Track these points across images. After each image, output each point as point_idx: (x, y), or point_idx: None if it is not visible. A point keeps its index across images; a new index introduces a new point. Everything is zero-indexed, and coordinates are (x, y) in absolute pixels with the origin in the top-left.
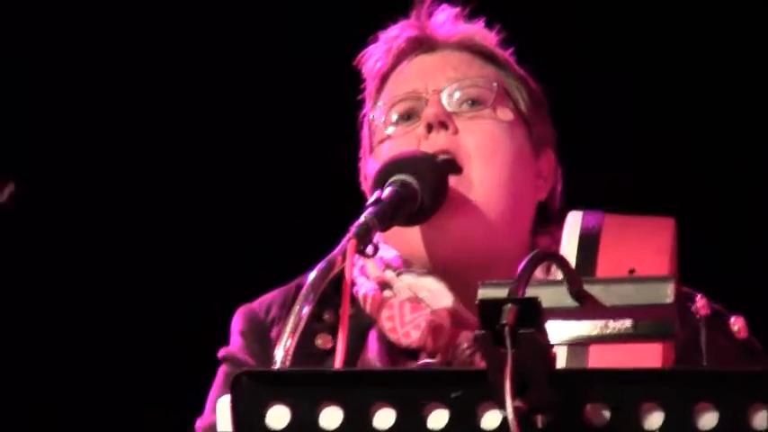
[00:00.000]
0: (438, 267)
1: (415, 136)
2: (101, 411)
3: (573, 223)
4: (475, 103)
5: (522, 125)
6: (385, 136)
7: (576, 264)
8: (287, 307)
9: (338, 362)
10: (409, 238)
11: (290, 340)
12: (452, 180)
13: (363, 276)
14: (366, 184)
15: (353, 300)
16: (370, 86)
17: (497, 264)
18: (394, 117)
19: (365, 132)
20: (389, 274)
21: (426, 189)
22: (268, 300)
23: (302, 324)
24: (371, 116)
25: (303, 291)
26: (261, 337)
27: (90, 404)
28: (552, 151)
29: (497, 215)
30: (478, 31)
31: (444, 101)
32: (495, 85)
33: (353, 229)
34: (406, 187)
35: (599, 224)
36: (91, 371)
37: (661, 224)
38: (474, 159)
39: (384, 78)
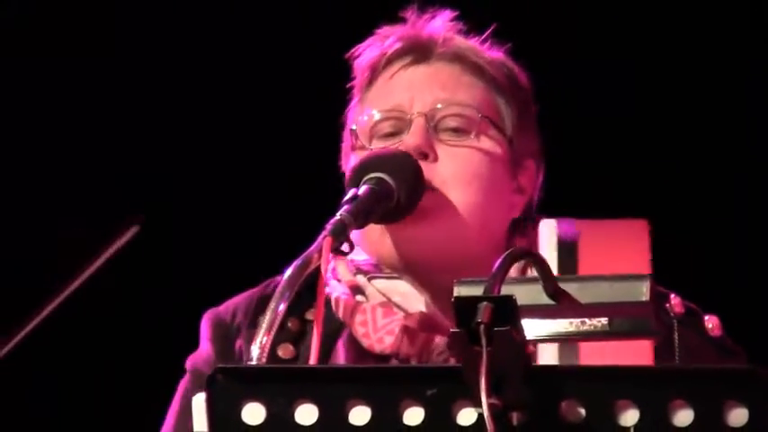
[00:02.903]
0: (408, 270)
1: None
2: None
3: (547, 232)
4: (458, 131)
5: (505, 147)
6: (365, 147)
7: (558, 273)
8: (250, 314)
9: (313, 358)
10: (378, 240)
11: (265, 337)
12: (426, 193)
13: (335, 280)
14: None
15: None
16: (359, 80)
17: (468, 268)
18: (376, 131)
19: (347, 133)
20: (361, 279)
21: (402, 187)
22: (233, 304)
23: (278, 321)
24: (354, 123)
25: (279, 288)
26: (229, 343)
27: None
28: (534, 162)
29: (468, 232)
30: (474, 46)
31: (428, 125)
32: (479, 115)
33: (329, 226)
34: (382, 185)
35: (574, 231)
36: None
37: (636, 226)
38: (449, 185)
39: (373, 74)
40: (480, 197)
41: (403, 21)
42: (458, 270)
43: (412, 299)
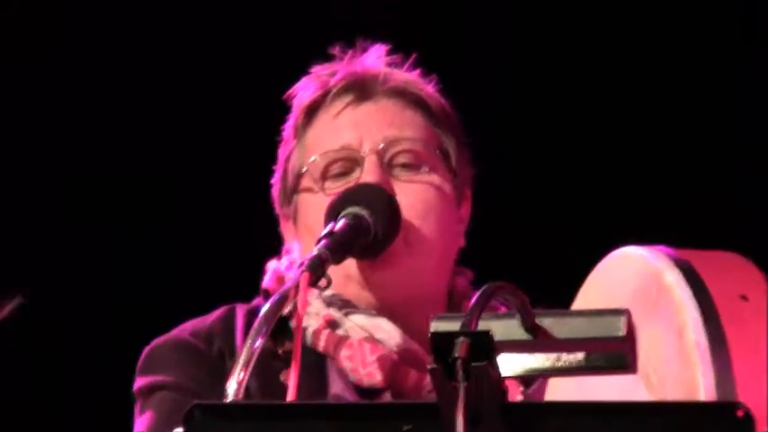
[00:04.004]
0: (383, 311)
1: None
2: None
3: (642, 259)
4: (410, 164)
5: (451, 179)
6: (317, 188)
7: (693, 294)
8: (230, 339)
9: (290, 395)
10: (351, 283)
11: (242, 373)
12: None
13: (306, 314)
14: (286, 222)
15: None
16: (296, 120)
17: (432, 304)
18: (327, 172)
19: (289, 168)
20: (336, 314)
21: (379, 222)
22: (201, 333)
23: (255, 357)
24: (302, 165)
25: (256, 324)
26: (211, 368)
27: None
28: (469, 191)
29: (433, 264)
30: (414, 80)
31: (380, 162)
32: (429, 144)
33: (306, 261)
34: (359, 220)
35: (679, 255)
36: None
37: (733, 256)
38: (409, 221)
39: (313, 114)
40: (437, 231)
41: (331, 58)
42: (426, 305)
43: (395, 335)
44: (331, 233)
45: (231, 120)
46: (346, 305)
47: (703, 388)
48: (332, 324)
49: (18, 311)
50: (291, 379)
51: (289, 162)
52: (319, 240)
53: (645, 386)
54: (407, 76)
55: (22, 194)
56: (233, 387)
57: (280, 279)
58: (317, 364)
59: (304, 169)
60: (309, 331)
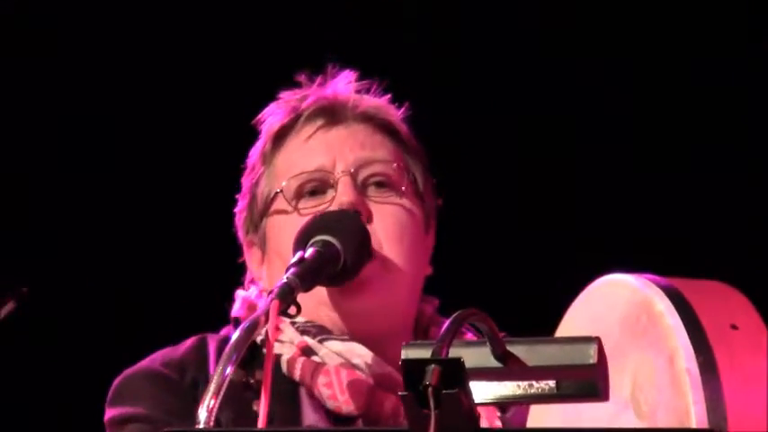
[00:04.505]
0: (356, 337)
1: None
2: None
3: (628, 286)
4: (383, 185)
5: (419, 203)
6: (291, 209)
7: (684, 323)
8: (203, 369)
9: (261, 422)
10: (323, 310)
11: (212, 401)
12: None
13: (278, 342)
14: (250, 250)
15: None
16: (265, 144)
17: (403, 331)
18: (302, 194)
19: (257, 193)
20: (310, 341)
21: (349, 250)
22: (173, 363)
23: (225, 384)
24: (271, 185)
25: (226, 351)
26: (183, 399)
27: None
28: (434, 220)
29: (404, 290)
30: (383, 105)
31: (354, 183)
32: (400, 167)
33: (276, 289)
34: (329, 247)
35: (669, 283)
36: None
37: (720, 285)
38: (384, 243)
39: (283, 138)
40: (411, 255)
41: (298, 85)
42: (396, 332)
43: (371, 362)
44: (300, 261)
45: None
46: (321, 331)
47: (695, 416)
48: (306, 351)
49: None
50: (262, 406)
51: (257, 187)
52: (288, 268)
53: (634, 412)
54: (377, 102)
55: None
56: (204, 414)
57: (250, 307)
58: (289, 393)
59: (276, 191)
60: (284, 359)
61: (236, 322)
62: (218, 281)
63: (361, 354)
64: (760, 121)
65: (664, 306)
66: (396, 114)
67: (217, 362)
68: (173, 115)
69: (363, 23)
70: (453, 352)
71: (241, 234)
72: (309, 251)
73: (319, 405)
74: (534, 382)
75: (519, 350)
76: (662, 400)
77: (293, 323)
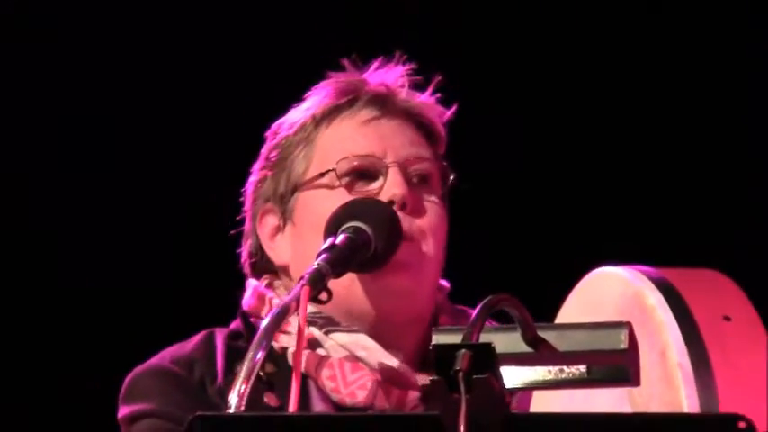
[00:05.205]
0: (371, 323)
1: None
2: None
3: (621, 279)
4: (426, 182)
5: (446, 204)
6: (340, 187)
7: (676, 316)
8: (220, 363)
9: (293, 405)
10: (350, 288)
11: (243, 385)
12: (403, 244)
13: (285, 334)
14: (261, 214)
15: (276, 356)
16: (307, 119)
17: (421, 319)
18: (351, 174)
19: (291, 166)
20: (317, 332)
21: (380, 236)
22: (181, 359)
23: (256, 370)
24: (308, 160)
25: (256, 337)
26: (193, 395)
27: None
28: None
29: (432, 280)
30: (430, 105)
31: (403, 175)
32: (439, 168)
33: (307, 275)
34: (360, 234)
35: (660, 275)
36: None
37: (714, 274)
38: (424, 234)
39: (331, 116)
40: (441, 250)
41: (342, 69)
42: (415, 322)
43: (377, 353)
44: (331, 247)
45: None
46: (328, 323)
47: (687, 409)
48: (312, 343)
49: None
50: (293, 390)
51: (290, 160)
52: (319, 254)
53: (629, 404)
54: (426, 101)
55: None
56: (234, 399)
57: (260, 297)
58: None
59: (329, 169)
60: (290, 352)
61: (244, 316)
62: (226, 275)
63: (366, 346)
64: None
65: (655, 299)
66: (440, 117)
67: (225, 357)
68: (181, 103)
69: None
70: (484, 337)
71: (253, 202)
72: (340, 237)
73: (326, 396)
74: (565, 368)
75: (549, 335)
76: (655, 394)
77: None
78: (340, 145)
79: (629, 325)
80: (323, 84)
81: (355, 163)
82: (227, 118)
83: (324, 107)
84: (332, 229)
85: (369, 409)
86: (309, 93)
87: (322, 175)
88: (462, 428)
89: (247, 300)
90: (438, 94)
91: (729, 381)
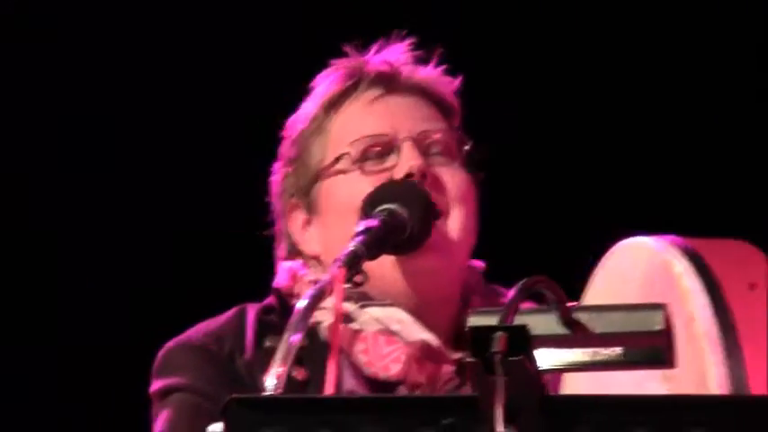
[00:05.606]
0: (407, 302)
1: (388, 177)
2: None
3: (656, 245)
4: (443, 153)
5: (471, 174)
6: (356, 169)
7: (704, 284)
8: (249, 339)
9: (329, 388)
10: (388, 272)
11: (281, 368)
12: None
13: (317, 310)
14: (293, 213)
15: (308, 331)
16: (317, 109)
17: (453, 298)
18: (365, 156)
19: (306, 157)
20: (351, 307)
21: (415, 218)
22: (213, 334)
23: (293, 351)
24: (324, 148)
25: (293, 319)
26: (222, 370)
27: None
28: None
29: (464, 257)
30: (437, 78)
31: (418, 149)
32: (455, 138)
33: (342, 257)
34: (395, 216)
35: (688, 244)
36: None
37: (740, 244)
38: (451, 205)
39: (338, 102)
40: (472, 220)
41: (345, 55)
42: (446, 300)
43: (411, 327)
44: (367, 229)
45: (232, 118)
46: (362, 297)
47: (715, 378)
48: (346, 318)
49: None
50: (329, 373)
51: (307, 153)
52: (354, 237)
53: (661, 377)
54: (431, 74)
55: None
56: (272, 381)
57: (293, 277)
58: (325, 360)
59: (342, 153)
60: (323, 326)
61: (277, 293)
62: (264, 253)
63: (401, 319)
64: None
65: (682, 267)
66: (448, 88)
67: (255, 331)
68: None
69: None
70: (519, 319)
71: (279, 200)
72: (375, 220)
73: (358, 371)
74: (600, 349)
75: (585, 317)
76: (681, 362)
77: None
78: (351, 128)
79: (665, 306)
80: (325, 72)
81: (365, 144)
82: (227, 116)
83: (330, 95)
84: (367, 211)
85: (402, 383)
86: (314, 82)
87: (337, 160)
88: (499, 410)
89: (279, 279)
90: (443, 66)
91: (756, 349)
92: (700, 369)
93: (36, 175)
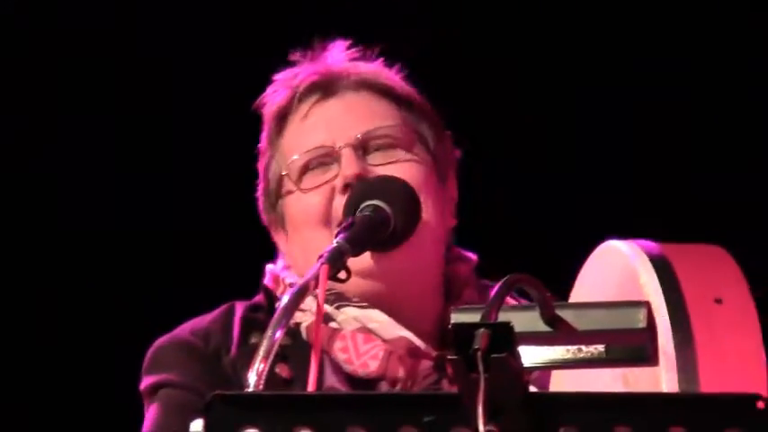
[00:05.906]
0: (376, 299)
1: (330, 188)
2: None
3: (620, 253)
4: (388, 147)
5: (431, 159)
6: (296, 188)
7: (665, 297)
8: (234, 335)
9: (311, 385)
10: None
11: (262, 365)
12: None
13: (298, 311)
14: (275, 231)
15: (291, 330)
16: (270, 128)
17: (426, 293)
18: (305, 171)
19: (269, 177)
20: (327, 307)
21: (399, 214)
22: (200, 330)
23: (275, 348)
24: (279, 167)
25: (276, 315)
26: (207, 367)
27: None
28: (454, 173)
29: (428, 250)
30: (379, 70)
31: (357, 153)
32: (403, 127)
33: (326, 254)
34: (379, 212)
35: (659, 251)
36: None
37: (715, 252)
38: None
39: (285, 119)
40: (432, 207)
41: (292, 64)
42: (424, 296)
43: (389, 326)
44: (350, 225)
45: (226, 121)
46: (338, 298)
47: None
48: (325, 317)
49: None
50: (312, 369)
51: (268, 171)
52: (338, 233)
53: (623, 384)
54: (371, 67)
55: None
56: (253, 378)
57: (276, 279)
58: (311, 358)
59: (283, 173)
60: (303, 326)
61: (266, 291)
62: (258, 250)
63: (378, 319)
64: None
65: (647, 278)
66: (392, 76)
67: (242, 328)
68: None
69: None
70: (502, 316)
71: (264, 217)
72: (359, 216)
73: (338, 368)
74: (583, 347)
75: (568, 314)
76: (642, 374)
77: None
78: (294, 144)
79: (647, 304)
80: (269, 89)
81: (304, 160)
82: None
83: (272, 114)
84: (351, 208)
85: (381, 379)
86: (260, 99)
87: (281, 180)
88: (480, 408)
89: (267, 279)
90: (381, 59)
91: (713, 366)
92: (656, 384)
93: (35, 174)
